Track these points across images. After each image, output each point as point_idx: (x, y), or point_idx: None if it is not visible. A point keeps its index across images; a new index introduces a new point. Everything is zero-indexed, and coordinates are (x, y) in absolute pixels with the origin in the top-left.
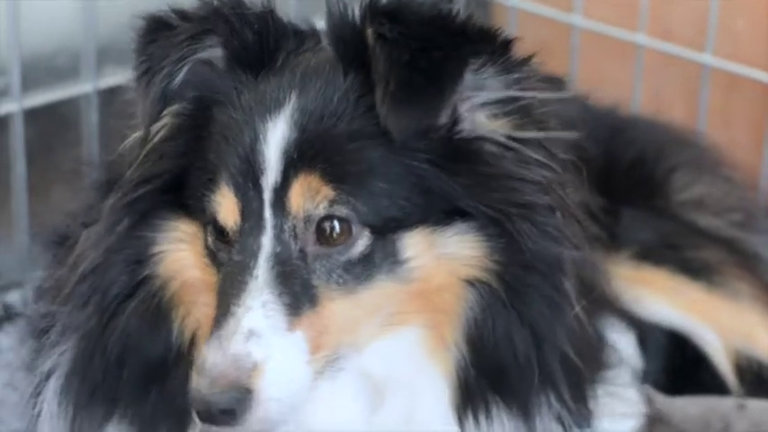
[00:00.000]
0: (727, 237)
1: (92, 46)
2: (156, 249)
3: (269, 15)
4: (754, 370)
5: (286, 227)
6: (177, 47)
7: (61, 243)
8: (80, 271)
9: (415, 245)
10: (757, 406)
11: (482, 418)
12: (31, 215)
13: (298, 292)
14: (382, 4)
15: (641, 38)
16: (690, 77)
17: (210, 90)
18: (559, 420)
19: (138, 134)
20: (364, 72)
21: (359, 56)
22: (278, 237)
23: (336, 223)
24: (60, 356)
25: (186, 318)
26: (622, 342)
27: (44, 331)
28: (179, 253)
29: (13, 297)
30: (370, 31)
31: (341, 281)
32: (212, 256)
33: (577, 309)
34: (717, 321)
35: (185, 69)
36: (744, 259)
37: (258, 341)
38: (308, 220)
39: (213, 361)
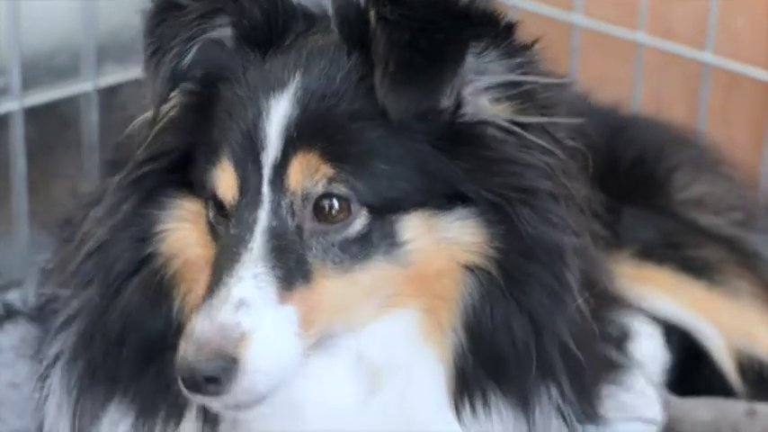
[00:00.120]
0: (728, 235)
1: (92, 45)
2: (160, 227)
3: None
4: (755, 369)
5: (283, 203)
6: (187, 26)
7: (68, 224)
8: (85, 249)
9: (414, 227)
10: (767, 411)
11: (479, 407)
12: (31, 214)
13: (291, 267)
14: None
15: (642, 37)
16: (690, 76)
17: (218, 69)
18: (561, 414)
19: (146, 114)
20: (367, 53)
21: (362, 37)
22: (275, 212)
23: (335, 201)
24: (66, 340)
25: (187, 295)
26: (648, 341)
27: (50, 315)
28: (183, 231)
29: (14, 296)
30: (372, 13)
31: (337, 259)
32: (213, 230)
33: (580, 301)
34: (718, 319)
35: (195, 49)
36: (744, 258)
37: (247, 311)
38: (306, 197)
39: (201, 329)
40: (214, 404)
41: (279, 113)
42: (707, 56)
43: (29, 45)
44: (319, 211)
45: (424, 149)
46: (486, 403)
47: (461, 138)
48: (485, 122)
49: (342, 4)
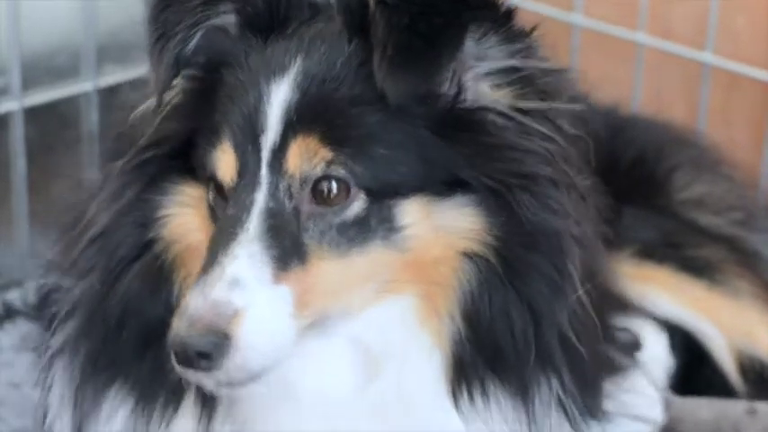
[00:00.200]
0: (728, 235)
1: (92, 45)
2: (162, 213)
3: None
4: (756, 369)
5: (281, 185)
6: (191, 12)
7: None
8: (88, 236)
9: (413, 213)
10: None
11: (477, 396)
12: (31, 214)
13: (287, 248)
14: None
15: (641, 37)
16: (690, 76)
17: (221, 55)
18: (562, 408)
19: (150, 102)
20: (368, 39)
21: (363, 23)
22: (272, 194)
23: (334, 184)
24: (70, 330)
25: (187, 279)
26: (654, 345)
27: (52, 306)
28: (184, 216)
29: (14, 296)
30: None
31: (333, 242)
32: (213, 214)
33: (581, 292)
34: (718, 319)
35: (198, 35)
36: (744, 258)
37: (241, 289)
38: (304, 180)
39: (194, 305)
40: (206, 381)
41: (279, 97)
42: (707, 56)
43: (29, 45)
44: (318, 194)
45: (424, 135)
46: (484, 392)
47: (461, 123)
48: (485, 108)
49: None
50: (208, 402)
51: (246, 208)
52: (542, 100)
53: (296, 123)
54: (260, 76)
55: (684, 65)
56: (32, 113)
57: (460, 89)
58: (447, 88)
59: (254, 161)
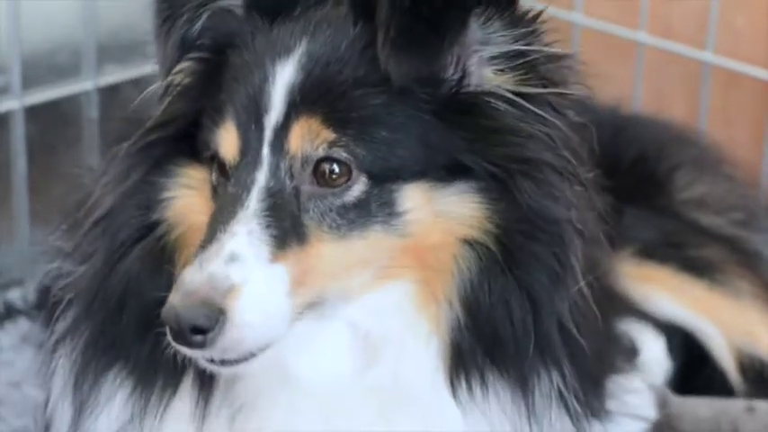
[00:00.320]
0: (729, 235)
1: (92, 43)
2: (166, 194)
3: None
4: (756, 368)
5: (282, 165)
6: None
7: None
8: (93, 218)
9: (413, 198)
10: (766, 408)
11: (476, 386)
12: (32, 213)
13: (286, 228)
14: None
15: (642, 36)
16: (691, 75)
17: (228, 36)
18: (563, 403)
19: (156, 85)
20: (373, 22)
21: (369, 6)
22: (273, 173)
23: (335, 165)
24: (74, 314)
25: (189, 260)
26: (652, 347)
27: (57, 293)
28: (188, 198)
29: (14, 295)
30: None
31: (333, 224)
32: (215, 192)
33: (582, 284)
34: (718, 319)
35: (205, 16)
36: (745, 258)
37: (238, 265)
38: (305, 160)
39: (190, 278)
40: (200, 357)
41: (283, 78)
42: (707, 55)
43: (29, 44)
44: (319, 175)
45: (426, 119)
46: (482, 382)
47: (464, 108)
48: (488, 93)
49: None
50: (205, 385)
51: (247, 186)
52: (545, 86)
53: (299, 104)
54: (265, 58)
55: (685, 64)
56: (33, 112)
57: (464, 73)
58: (451, 72)
59: (257, 140)
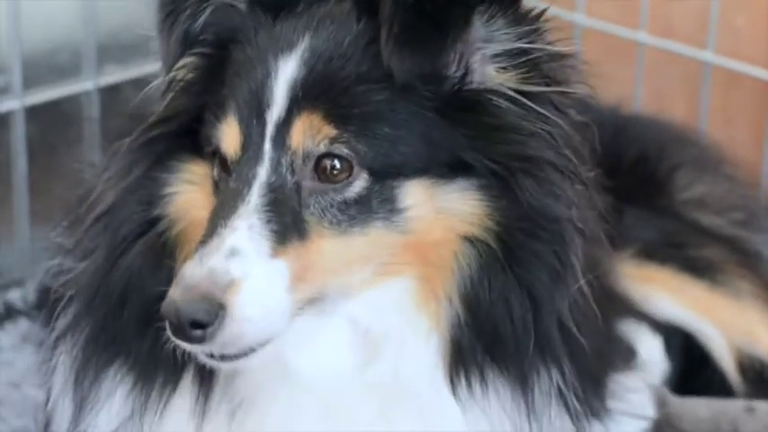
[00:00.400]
0: (729, 235)
1: (92, 43)
2: (168, 190)
3: None
4: (756, 369)
5: (284, 160)
6: None
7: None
8: (94, 214)
9: (415, 194)
10: (766, 408)
11: (476, 383)
12: (32, 213)
13: (287, 223)
14: None
15: (642, 36)
16: (691, 75)
17: (231, 31)
18: (563, 401)
19: (158, 80)
20: (376, 19)
21: (372, 2)
22: (275, 169)
23: (336, 161)
24: (75, 310)
25: (190, 256)
26: (650, 347)
27: (58, 289)
28: (190, 194)
29: (14, 295)
30: None
31: (334, 220)
32: (216, 188)
33: (582, 282)
34: (719, 319)
35: (208, 11)
36: (745, 258)
37: (239, 260)
38: (307, 156)
39: (190, 273)
40: (200, 351)
41: (286, 73)
42: (708, 55)
43: (30, 44)
44: (320, 171)
45: (429, 115)
46: (482, 379)
47: (466, 105)
48: (490, 90)
49: None
50: (205, 381)
51: (248, 181)
52: (548, 84)
53: (301, 99)
54: (268, 53)
55: (685, 64)
56: (33, 112)
57: (467, 71)
58: (454, 70)
59: (258, 135)
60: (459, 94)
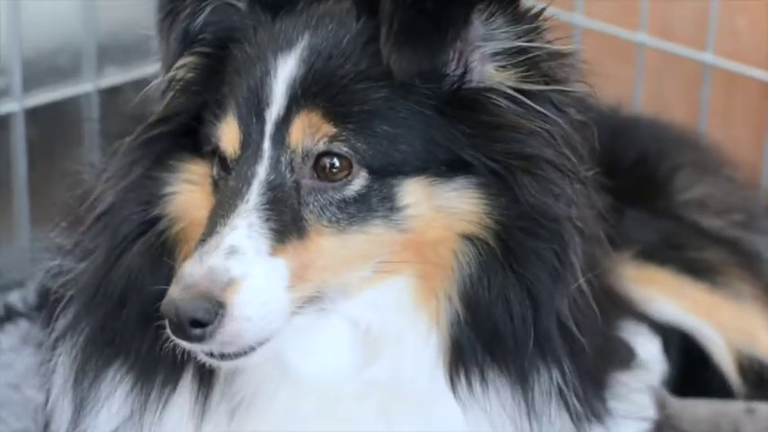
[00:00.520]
0: (730, 237)
1: (93, 45)
2: (167, 190)
3: None
4: (755, 370)
5: (283, 159)
6: None
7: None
8: (95, 214)
9: (414, 193)
10: (766, 410)
11: (476, 382)
12: (32, 214)
13: (286, 221)
14: None
15: (642, 37)
16: (691, 76)
17: (230, 30)
18: (563, 401)
19: (158, 80)
20: (376, 17)
21: (372, 0)
22: (274, 167)
23: (336, 160)
24: (74, 310)
25: (189, 255)
26: (648, 347)
27: (58, 290)
28: (189, 194)
29: (14, 297)
30: None
31: (333, 218)
32: (215, 186)
33: (582, 281)
34: (719, 321)
35: (208, 10)
36: (746, 259)
37: (238, 258)
38: (306, 154)
39: (190, 271)
40: (199, 350)
41: (285, 72)
42: (707, 56)
43: (30, 46)
44: (320, 169)
45: (428, 114)
46: (482, 378)
47: (465, 104)
48: (489, 89)
49: None
50: (205, 380)
51: (247, 180)
52: (547, 83)
53: (300, 98)
54: (267, 51)
55: (685, 65)
56: (33, 114)
57: (466, 69)
58: (453, 68)
59: (258, 134)
60: (459, 93)
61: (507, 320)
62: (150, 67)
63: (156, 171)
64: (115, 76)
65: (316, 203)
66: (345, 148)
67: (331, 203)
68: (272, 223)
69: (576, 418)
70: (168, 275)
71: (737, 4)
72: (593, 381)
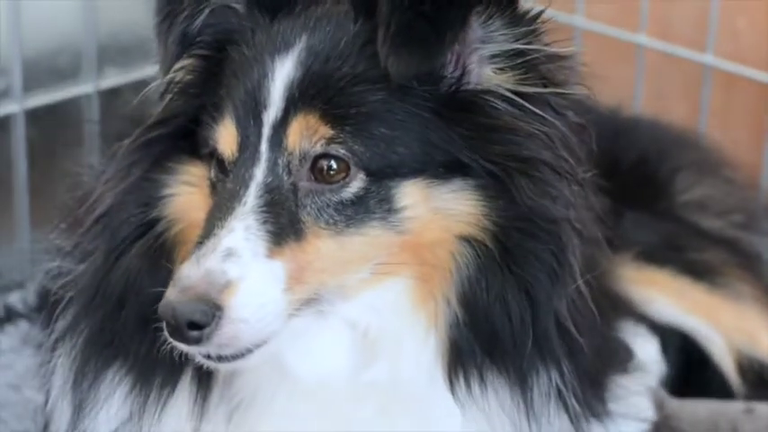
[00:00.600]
0: (729, 238)
1: (93, 46)
2: (166, 192)
3: None
4: (755, 370)
5: (280, 161)
6: None
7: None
8: (94, 216)
9: (411, 195)
10: (765, 410)
11: (474, 383)
12: (32, 215)
13: (284, 224)
14: None
15: (642, 38)
16: (691, 77)
17: (228, 33)
18: (562, 402)
19: (156, 82)
20: (373, 19)
21: (369, 2)
22: (271, 169)
23: (333, 162)
24: (74, 312)
25: (187, 257)
26: (646, 348)
27: (58, 291)
28: (188, 196)
29: (14, 298)
30: None
31: (331, 220)
32: (213, 189)
33: (580, 283)
34: (719, 322)
35: (206, 12)
36: (745, 260)
37: (235, 261)
38: (303, 156)
39: (187, 274)
40: (196, 352)
41: (282, 74)
42: (707, 57)
43: (30, 47)
44: (317, 171)
45: (425, 116)
46: (481, 379)
47: (463, 106)
48: (487, 91)
49: None
50: (204, 382)
51: (245, 182)
52: (545, 85)
53: (298, 100)
54: (265, 53)
55: (685, 66)
56: (33, 115)
57: (464, 71)
58: (451, 70)
59: (255, 136)
60: (457, 95)
61: (506, 322)
62: (150, 69)
63: (154, 173)
64: (115, 78)
65: (313, 205)
66: (343, 151)
67: (328, 205)
68: (270, 225)
69: (574, 419)
70: (167, 277)
71: (737, 4)
72: (592, 381)
